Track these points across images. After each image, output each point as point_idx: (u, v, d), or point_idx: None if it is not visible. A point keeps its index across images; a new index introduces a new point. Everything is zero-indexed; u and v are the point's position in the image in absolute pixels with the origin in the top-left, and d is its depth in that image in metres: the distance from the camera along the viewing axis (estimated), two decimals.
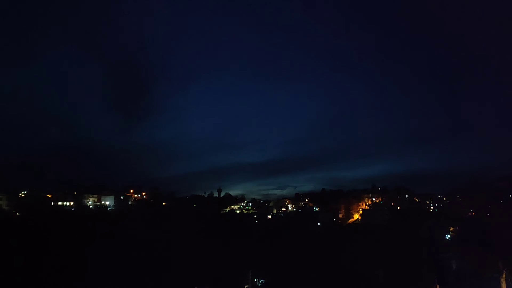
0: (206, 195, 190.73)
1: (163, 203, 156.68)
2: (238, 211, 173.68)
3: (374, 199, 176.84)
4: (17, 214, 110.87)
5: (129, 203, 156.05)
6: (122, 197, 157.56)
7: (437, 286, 52.18)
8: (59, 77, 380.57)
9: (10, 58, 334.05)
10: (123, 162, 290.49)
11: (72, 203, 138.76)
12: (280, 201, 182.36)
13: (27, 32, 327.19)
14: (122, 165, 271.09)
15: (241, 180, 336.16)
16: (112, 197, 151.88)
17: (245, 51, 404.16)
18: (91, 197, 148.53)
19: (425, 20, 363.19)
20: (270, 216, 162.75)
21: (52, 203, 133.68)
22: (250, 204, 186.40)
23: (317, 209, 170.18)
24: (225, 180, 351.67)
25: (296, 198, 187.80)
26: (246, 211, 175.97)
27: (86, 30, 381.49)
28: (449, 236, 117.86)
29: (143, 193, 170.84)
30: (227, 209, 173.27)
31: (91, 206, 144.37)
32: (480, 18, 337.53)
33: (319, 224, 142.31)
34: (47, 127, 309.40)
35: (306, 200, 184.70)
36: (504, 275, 49.24)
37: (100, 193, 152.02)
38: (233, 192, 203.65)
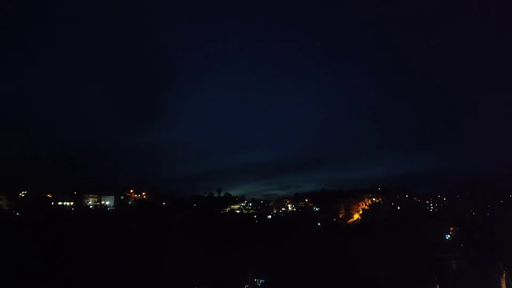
0: (206, 195, 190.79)
1: (163, 203, 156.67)
2: (238, 211, 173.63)
3: (374, 199, 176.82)
4: (17, 214, 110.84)
5: (129, 203, 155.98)
6: (122, 197, 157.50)
7: (437, 286, 52.19)
8: (63, 77, 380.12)
9: (14, 57, 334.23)
10: (126, 163, 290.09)
11: (72, 203, 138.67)
12: (280, 201, 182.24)
13: (36, 31, 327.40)
14: (124, 166, 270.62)
15: (244, 180, 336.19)
16: (112, 197, 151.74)
17: (249, 52, 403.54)
18: (91, 197, 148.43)
19: (426, 20, 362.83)
20: (270, 216, 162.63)
21: (52, 203, 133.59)
22: (250, 204, 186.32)
23: (317, 209, 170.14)
24: (228, 181, 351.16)
25: (296, 198, 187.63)
26: (246, 211, 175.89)
27: (95, 31, 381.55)
28: (449, 236, 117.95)
29: (143, 193, 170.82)
30: (227, 209, 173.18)
31: (91, 206, 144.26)
32: (479, 20, 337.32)
33: (319, 224, 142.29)
34: (49, 127, 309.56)
35: (306, 200, 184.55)
36: (504, 275, 49.28)
37: (100, 193, 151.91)
38: (235, 193, 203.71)
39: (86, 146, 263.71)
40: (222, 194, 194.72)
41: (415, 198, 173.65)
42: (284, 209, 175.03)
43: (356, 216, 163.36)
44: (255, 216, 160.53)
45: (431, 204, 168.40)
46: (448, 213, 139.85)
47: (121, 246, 69.54)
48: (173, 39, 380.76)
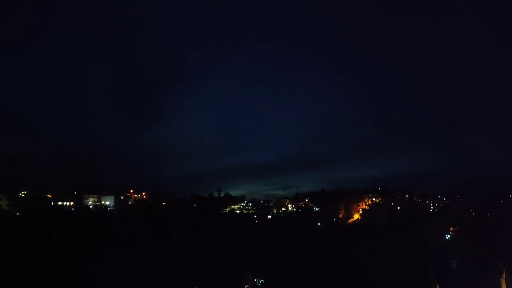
0: (206, 195, 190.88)
1: (163, 203, 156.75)
2: (238, 211, 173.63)
3: (374, 199, 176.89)
4: (17, 214, 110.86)
5: (129, 203, 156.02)
6: (122, 197, 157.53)
7: (437, 286, 52.19)
8: (63, 77, 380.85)
9: (14, 57, 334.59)
10: (126, 163, 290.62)
11: (72, 203, 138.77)
12: (280, 201, 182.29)
13: (36, 31, 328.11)
14: (124, 166, 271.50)
15: (244, 180, 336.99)
16: (112, 197, 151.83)
17: (250, 52, 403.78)
18: (91, 197, 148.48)
19: (426, 20, 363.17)
20: (270, 216, 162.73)
21: (52, 203, 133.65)
22: (250, 204, 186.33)
23: (317, 209, 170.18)
24: (228, 181, 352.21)
25: (296, 198, 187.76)
26: (246, 211, 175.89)
27: (96, 31, 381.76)
28: (449, 236, 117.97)
29: (143, 193, 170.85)
30: (227, 209, 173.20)
31: (91, 206, 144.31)
32: (479, 21, 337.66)
33: (319, 224, 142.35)
34: (49, 127, 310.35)
35: (306, 200, 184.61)
36: (504, 275, 49.26)
37: (100, 193, 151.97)
38: (235, 193, 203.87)
39: (86, 146, 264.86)
40: (222, 194, 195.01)
41: (415, 198, 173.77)
42: (284, 209, 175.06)
43: (356, 216, 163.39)
44: (255, 216, 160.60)
45: (431, 204, 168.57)
46: (448, 213, 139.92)
47: (121, 246, 69.50)
48: (174, 39, 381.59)
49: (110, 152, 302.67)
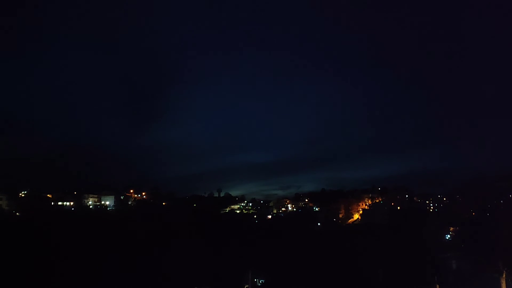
0: (206, 195, 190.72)
1: (163, 203, 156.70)
2: (238, 211, 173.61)
3: (374, 199, 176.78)
4: (17, 214, 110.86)
5: (129, 203, 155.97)
6: (122, 197, 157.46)
7: (437, 286, 52.19)
8: (64, 78, 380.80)
9: (15, 57, 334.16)
10: (126, 163, 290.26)
11: (72, 203, 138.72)
12: (280, 201, 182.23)
13: (37, 32, 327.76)
14: (124, 166, 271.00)
15: (244, 180, 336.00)
16: (112, 197, 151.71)
17: (250, 53, 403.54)
18: (91, 197, 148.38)
19: (425, 21, 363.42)
20: (270, 216, 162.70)
21: (52, 203, 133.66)
22: (250, 204, 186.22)
23: (317, 209, 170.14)
24: (228, 181, 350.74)
25: (296, 198, 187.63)
26: (246, 211, 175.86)
27: (96, 32, 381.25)
28: (449, 236, 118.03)
29: (143, 193, 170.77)
30: (227, 209, 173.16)
31: (91, 206, 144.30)
32: (477, 22, 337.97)
33: (319, 224, 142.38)
34: (49, 127, 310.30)
35: (306, 200, 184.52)
36: (504, 275, 49.26)
37: (100, 193, 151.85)
38: (235, 193, 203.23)
39: (86, 146, 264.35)
40: (222, 194, 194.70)
41: (415, 198, 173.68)
42: (284, 209, 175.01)
43: (356, 216, 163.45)
44: (255, 216, 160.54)
45: (431, 204, 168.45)
46: (448, 213, 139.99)
47: (121, 246, 69.55)
48: (174, 40, 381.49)
49: (110, 152, 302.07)
